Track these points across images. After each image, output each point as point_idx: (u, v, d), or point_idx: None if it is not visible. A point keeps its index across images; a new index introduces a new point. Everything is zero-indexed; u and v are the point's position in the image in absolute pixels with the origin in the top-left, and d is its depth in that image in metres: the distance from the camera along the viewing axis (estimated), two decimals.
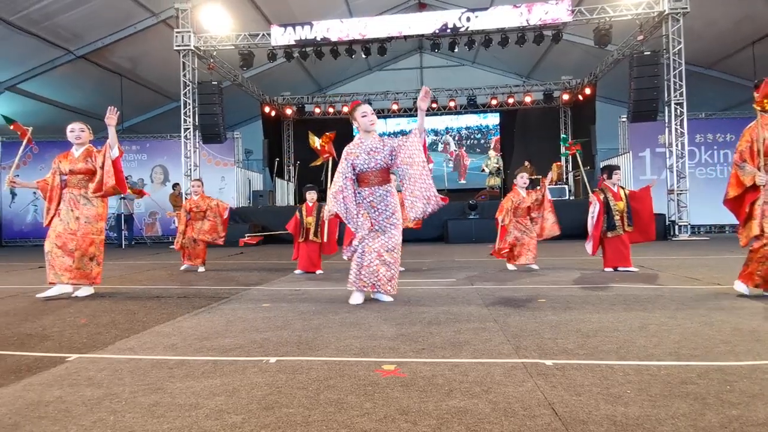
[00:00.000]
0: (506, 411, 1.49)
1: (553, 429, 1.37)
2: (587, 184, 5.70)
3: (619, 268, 4.86)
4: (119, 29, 11.18)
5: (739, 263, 3.49)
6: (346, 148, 3.49)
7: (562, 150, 5.62)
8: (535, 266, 5.24)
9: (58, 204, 3.99)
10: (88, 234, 3.93)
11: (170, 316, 3.09)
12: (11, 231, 13.99)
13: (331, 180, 3.81)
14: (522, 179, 5.45)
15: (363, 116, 3.40)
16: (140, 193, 7.17)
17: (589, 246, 4.92)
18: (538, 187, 5.41)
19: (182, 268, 6.02)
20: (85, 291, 3.99)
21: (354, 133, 15.84)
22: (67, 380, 1.88)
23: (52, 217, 3.97)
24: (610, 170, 4.98)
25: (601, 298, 3.41)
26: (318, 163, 5.08)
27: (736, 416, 1.42)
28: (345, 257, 3.53)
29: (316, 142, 4.90)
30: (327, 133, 4.90)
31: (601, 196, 4.85)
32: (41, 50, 10.88)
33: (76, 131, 4.02)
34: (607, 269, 4.89)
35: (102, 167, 3.94)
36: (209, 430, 1.41)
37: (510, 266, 5.32)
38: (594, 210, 4.84)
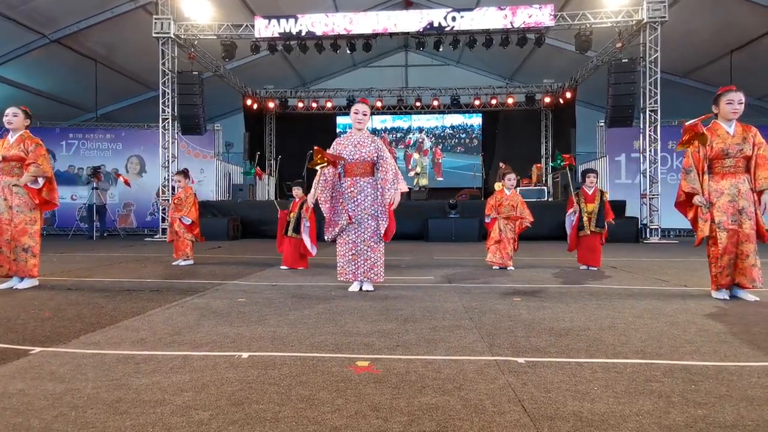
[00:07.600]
0: (477, 407, 1.51)
1: (521, 425, 1.39)
2: (572, 191, 5.89)
3: (590, 267, 5.24)
4: (95, 13, 10.78)
5: (706, 266, 3.60)
6: (336, 140, 3.84)
7: (555, 161, 6.04)
8: (510, 267, 5.33)
9: None
10: (21, 223, 3.79)
11: (140, 310, 3.01)
12: None
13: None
14: (509, 180, 5.57)
15: (354, 113, 3.74)
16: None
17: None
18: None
19: (182, 263, 5.72)
20: (28, 283, 3.85)
21: (337, 128, 15.72)
22: (30, 373, 1.82)
23: None
24: (584, 174, 5.53)
25: (575, 297, 3.48)
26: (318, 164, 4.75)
27: (702, 416, 1.44)
28: (327, 238, 3.81)
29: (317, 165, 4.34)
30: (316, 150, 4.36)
31: (575, 200, 5.33)
32: (15, 34, 10.43)
33: (9, 116, 3.87)
34: (579, 265, 5.33)
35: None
36: (174, 427, 1.37)
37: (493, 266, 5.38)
38: (571, 212, 5.38)
